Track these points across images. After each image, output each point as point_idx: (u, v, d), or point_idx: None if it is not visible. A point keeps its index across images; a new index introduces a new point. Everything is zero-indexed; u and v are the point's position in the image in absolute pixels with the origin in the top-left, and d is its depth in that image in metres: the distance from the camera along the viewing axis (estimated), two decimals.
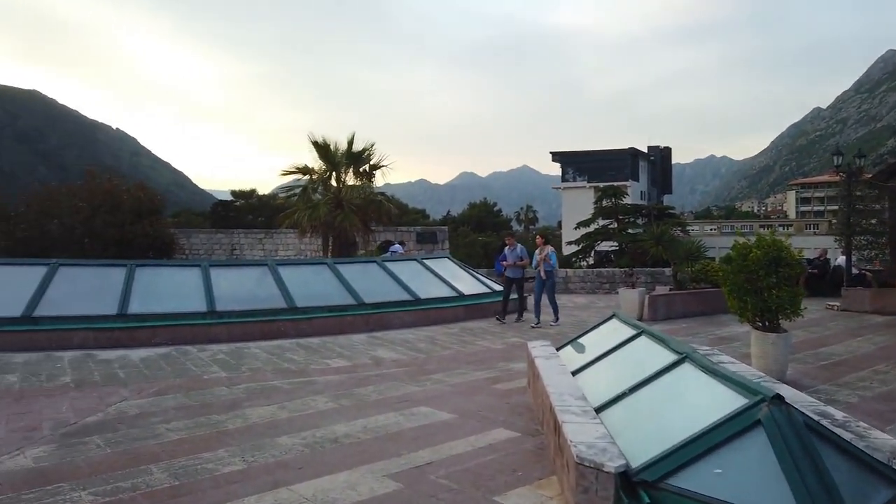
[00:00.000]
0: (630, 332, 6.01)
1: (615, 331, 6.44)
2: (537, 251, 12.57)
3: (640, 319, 12.12)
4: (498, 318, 12.65)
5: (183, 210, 62.09)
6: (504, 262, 13.12)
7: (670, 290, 14.29)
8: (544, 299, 12.59)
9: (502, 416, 5.87)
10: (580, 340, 6.84)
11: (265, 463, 4.61)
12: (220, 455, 4.78)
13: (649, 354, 5.23)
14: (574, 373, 5.69)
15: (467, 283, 14.39)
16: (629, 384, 4.65)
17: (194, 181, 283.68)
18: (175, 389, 7.03)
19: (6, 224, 15.09)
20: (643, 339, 5.63)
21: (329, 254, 18.67)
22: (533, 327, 11.96)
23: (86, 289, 10.37)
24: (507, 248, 13.12)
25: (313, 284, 12.18)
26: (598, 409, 4.47)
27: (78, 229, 15.02)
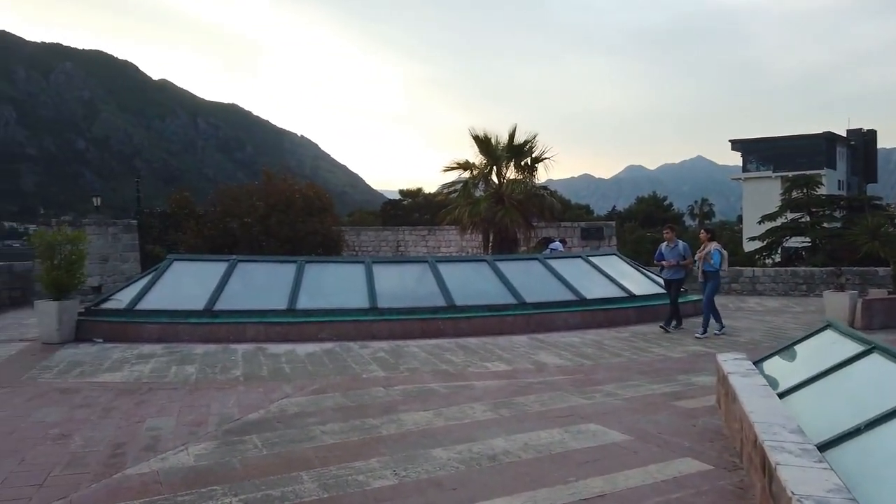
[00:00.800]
0: (855, 347, 4.84)
1: (832, 344, 5.27)
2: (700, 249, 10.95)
3: (850, 327, 10.30)
4: (662, 327, 11.11)
5: (357, 210, 65.84)
6: (663, 262, 11.23)
7: (889, 293, 12.09)
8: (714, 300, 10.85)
9: (688, 441, 4.99)
10: (784, 354, 5.72)
11: (417, 479, 4.21)
12: (373, 466, 4.47)
13: (888, 377, 4.11)
14: (781, 395, 4.67)
15: (638, 282, 13.25)
16: (865, 417, 3.62)
17: (367, 182, 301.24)
18: (334, 388, 6.95)
19: (196, 223, 16.59)
20: (877, 358, 4.47)
21: (489, 251, 18.34)
22: (716, 334, 10.60)
23: (259, 284, 10.87)
24: (664, 244, 11.25)
25: (473, 282, 11.84)
26: (822, 448, 3.51)
27: (255, 227, 16.08)
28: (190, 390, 6.83)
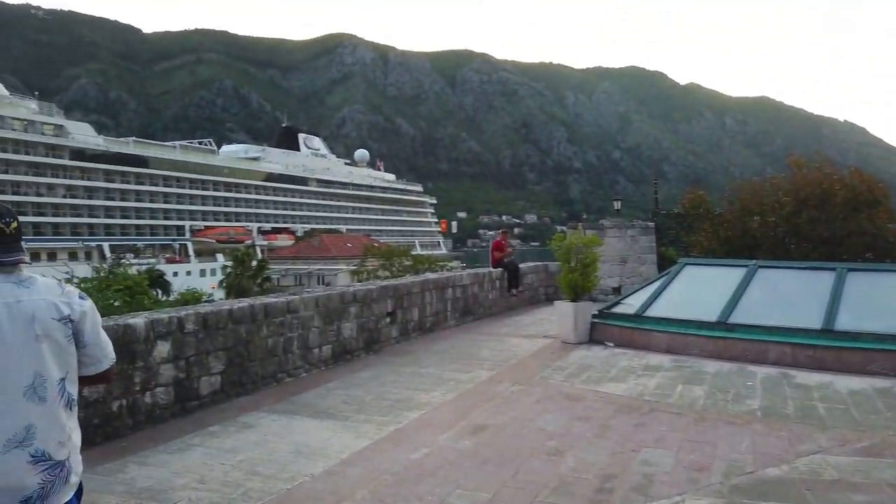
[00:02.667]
0: None
1: None
2: None
3: None
4: None
5: None
6: None
7: None
8: None
9: None
10: None
11: None
12: None
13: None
14: None
15: None
16: None
17: None
18: (894, 449, 4.96)
19: (710, 223, 15.41)
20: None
21: None
22: None
23: (785, 295, 9.09)
24: None
25: None
26: None
27: (780, 227, 13.92)
28: (695, 419, 5.88)
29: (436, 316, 11.05)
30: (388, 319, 9.54)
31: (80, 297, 2.28)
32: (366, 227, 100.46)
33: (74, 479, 2.21)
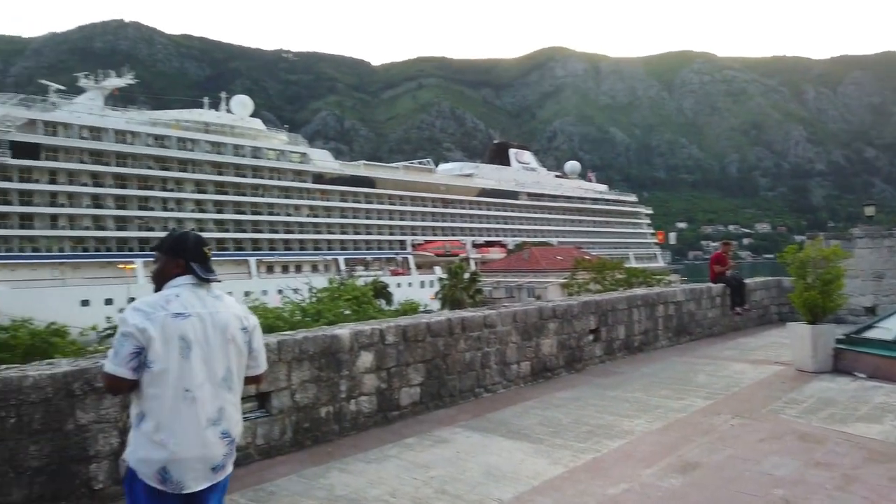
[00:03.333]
0: None
1: None
2: None
3: None
4: None
5: None
6: None
7: None
8: None
9: None
10: None
11: None
12: None
13: None
14: None
15: None
16: None
17: None
18: None
19: None
20: None
21: None
22: None
23: None
24: None
25: None
26: None
27: None
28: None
29: (645, 335, 10.28)
30: (590, 337, 9.06)
31: (251, 314, 2.92)
32: (576, 239, 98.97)
33: (235, 452, 2.81)
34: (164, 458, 2.57)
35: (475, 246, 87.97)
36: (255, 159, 68.53)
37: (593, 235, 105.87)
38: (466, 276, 42.70)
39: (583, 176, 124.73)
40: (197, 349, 2.64)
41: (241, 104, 75.23)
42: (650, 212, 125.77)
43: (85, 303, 49.57)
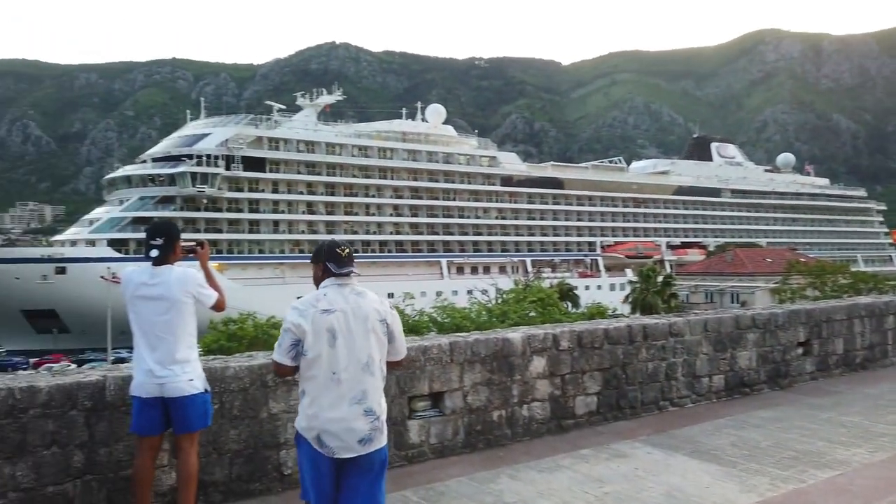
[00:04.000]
0: None
1: None
2: None
3: None
4: None
5: None
6: None
7: None
8: None
9: None
10: None
11: None
12: None
13: None
14: None
15: None
16: None
17: None
18: None
19: None
20: None
21: None
22: None
23: None
24: None
25: None
26: None
27: None
28: None
29: (870, 350, 8.89)
30: (799, 350, 8.03)
31: (391, 308, 3.31)
32: (790, 239, 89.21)
33: (385, 431, 3.18)
34: (317, 426, 3.07)
35: (670, 247, 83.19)
36: (447, 164, 71.28)
37: (811, 236, 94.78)
38: (660, 279, 40.47)
39: (798, 169, 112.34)
40: (341, 339, 3.09)
41: (435, 113, 78.73)
42: (884, 208, 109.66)
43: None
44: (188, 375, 3.74)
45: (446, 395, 5.34)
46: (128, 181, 59.73)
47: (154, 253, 3.81)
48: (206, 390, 3.85)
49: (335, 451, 3.06)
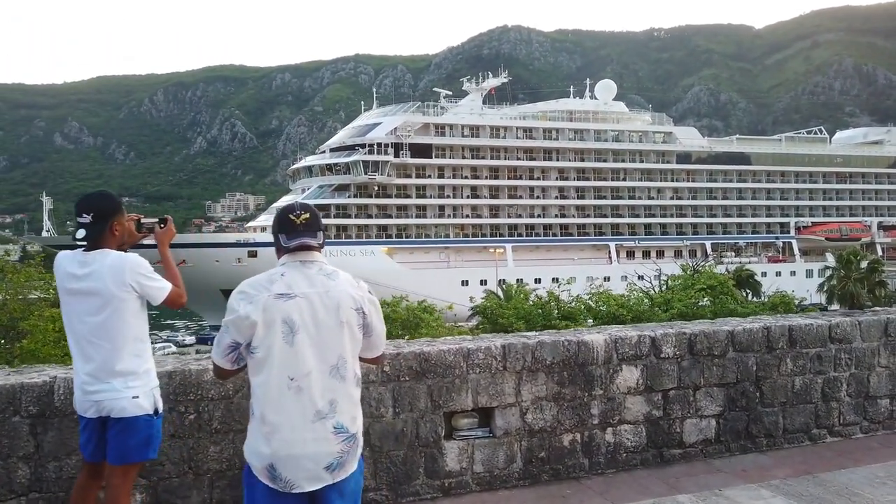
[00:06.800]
0: None
1: None
2: None
3: None
4: None
5: None
6: None
7: None
8: None
9: None
10: None
11: None
12: None
13: None
14: None
15: None
16: None
17: None
18: None
19: None
20: None
21: None
22: None
23: None
24: None
25: None
26: None
27: None
28: None
29: None
30: None
31: (369, 293, 2.53)
32: None
33: (359, 451, 2.46)
34: (269, 452, 2.33)
35: (883, 228, 72.01)
36: (617, 143, 67.61)
37: None
38: (864, 264, 34.61)
39: None
40: (303, 334, 2.36)
41: (605, 88, 74.97)
42: None
43: (464, 283, 55.61)
44: (132, 391, 2.92)
45: (497, 411, 4.27)
46: (309, 171, 64.13)
47: (80, 234, 2.97)
48: (155, 411, 3.02)
49: (295, 484, 2.31)
